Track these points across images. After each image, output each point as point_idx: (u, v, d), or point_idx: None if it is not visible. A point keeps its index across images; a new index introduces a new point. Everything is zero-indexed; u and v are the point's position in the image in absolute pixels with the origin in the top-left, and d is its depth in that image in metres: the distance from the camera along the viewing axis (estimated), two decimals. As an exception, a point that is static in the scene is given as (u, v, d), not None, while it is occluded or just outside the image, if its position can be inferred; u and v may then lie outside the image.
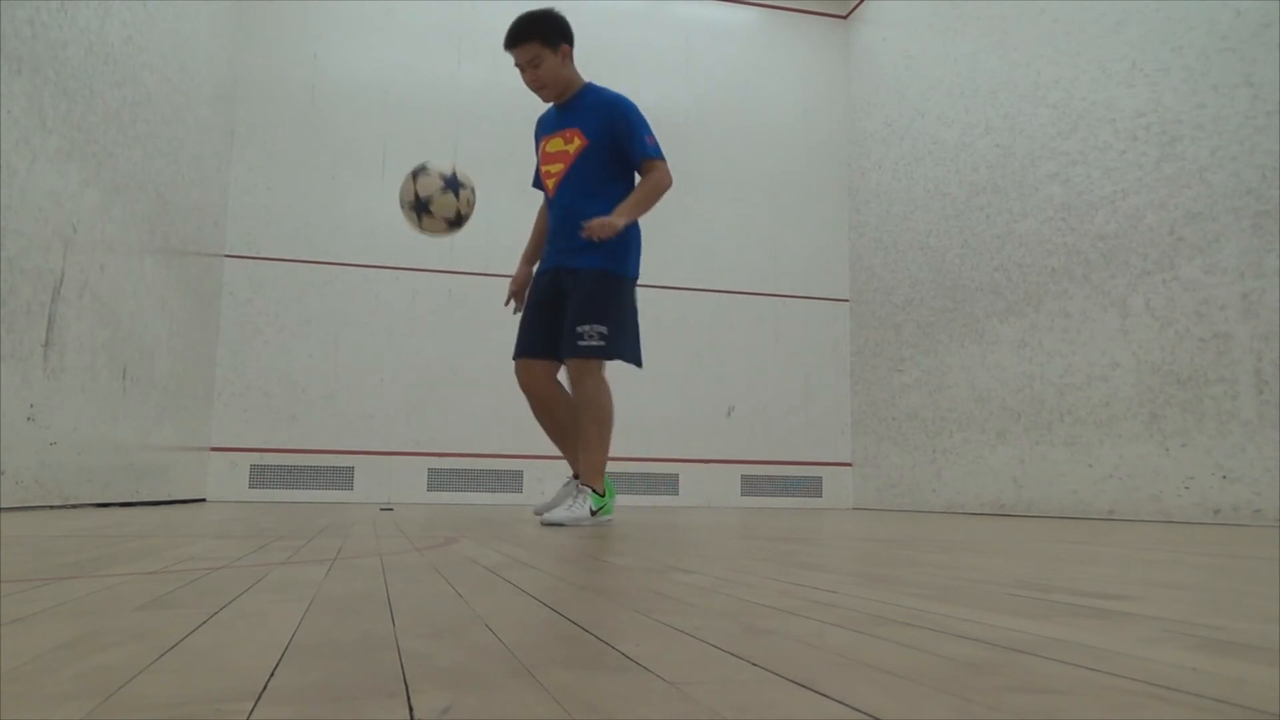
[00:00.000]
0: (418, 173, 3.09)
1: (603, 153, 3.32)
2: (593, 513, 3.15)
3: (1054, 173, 5.31)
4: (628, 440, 7.55)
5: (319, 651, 0.65)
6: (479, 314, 6.74)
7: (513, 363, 3.43)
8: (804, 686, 0.54)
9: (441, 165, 3.11)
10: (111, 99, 3.96)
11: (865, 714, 0.47)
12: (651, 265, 6.98)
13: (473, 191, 3.13)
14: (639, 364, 3.40)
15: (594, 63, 7.81)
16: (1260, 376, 3.96)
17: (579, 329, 3.22)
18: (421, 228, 3.11)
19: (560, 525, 2.97)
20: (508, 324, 7.58)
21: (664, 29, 7.48)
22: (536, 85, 3.35)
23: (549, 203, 3.45)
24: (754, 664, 0.61)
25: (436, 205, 3.04)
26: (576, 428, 3.32)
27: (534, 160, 3.56)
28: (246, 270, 6.41)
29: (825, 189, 7.68)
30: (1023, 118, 5.62)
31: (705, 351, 7.19)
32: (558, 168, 3.38)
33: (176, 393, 5.22)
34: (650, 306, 6.98)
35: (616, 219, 3.14)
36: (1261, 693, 0.54)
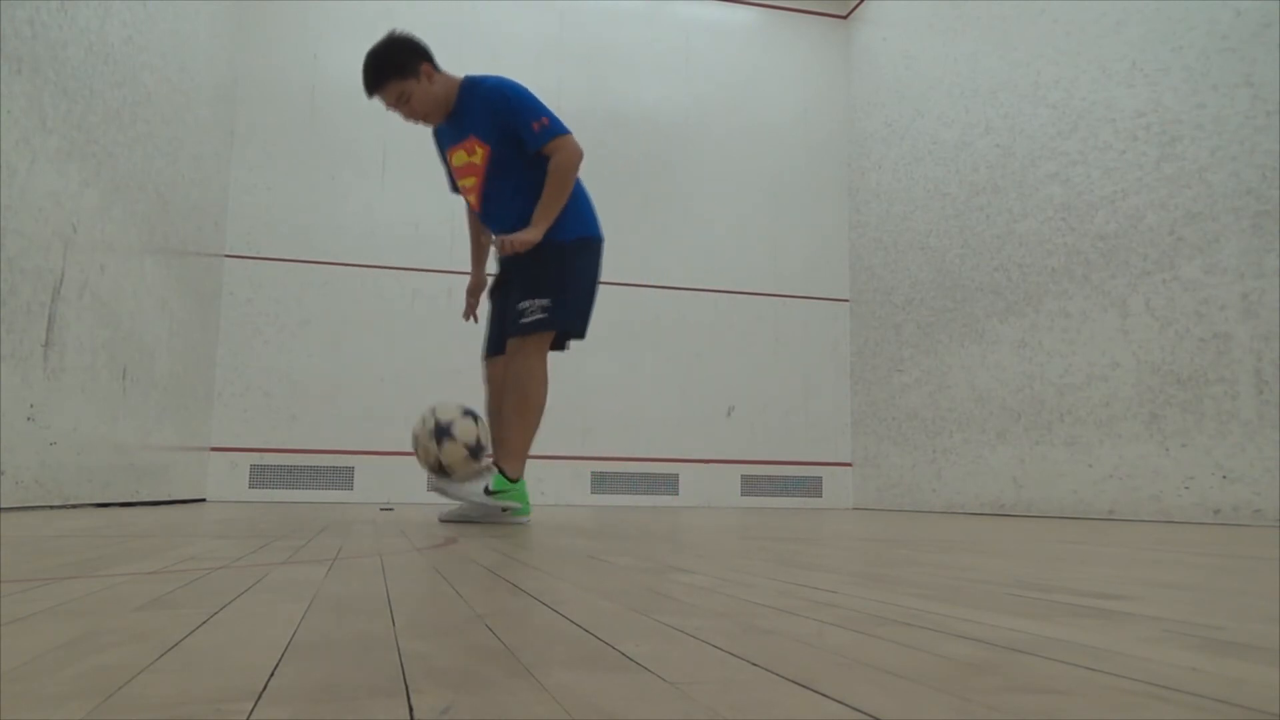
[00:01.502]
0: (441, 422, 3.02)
1: (508, 150, 3.09)
2: (489, 491, 2.98)
3: (1054, 173, 5.31)
4: (628, 440, 7.59)
5: (319, 651, 0.65)
6: (479, 313, 6.74)
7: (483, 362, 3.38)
8: (804, 686, 0.54)
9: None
10: (111, 99, 3.96)
11: (865, 714, 0.47)
12: (652, 265, 7.06)
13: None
14: (582, 335, 3.21)
15: (594, 63, 7.85)
16: (1260, 376, 3.96)
17: (520, 306, 3.07)
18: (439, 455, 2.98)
19: (466, 522, 2.91)
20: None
21: (664, 29, 7.48)
22: (417, 118, 3.17)
23: (478, 216, 3.33)
24: (754, 664, 0.61)
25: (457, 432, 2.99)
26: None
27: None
28: (246, 270, 6.41)
29: (825, 189, 7.68)
30: (1023, 118, 5.62)
31: (705, 351, 7.19)
32: (472, 181, 3.20)
33: (176, 393, 5.22)
34: (650, 306, 7.06)
35: (532, 232, 3.01)
36: (1261, 693, 0.54)
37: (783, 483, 7.21)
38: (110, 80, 3.94)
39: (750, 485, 7.14)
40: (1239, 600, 1.07)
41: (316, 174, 6.62)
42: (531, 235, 3.00)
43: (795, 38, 7.79)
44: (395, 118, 7.36)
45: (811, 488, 7.28)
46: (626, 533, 2.61)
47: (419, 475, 6.94)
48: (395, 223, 6.72)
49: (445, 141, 3.28)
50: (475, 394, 7.12)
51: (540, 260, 3.08)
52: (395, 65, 3.05)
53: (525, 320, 3.05)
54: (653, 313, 7.03)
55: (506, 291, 3.24)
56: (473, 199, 3.23)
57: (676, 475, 6.95)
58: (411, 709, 0.48)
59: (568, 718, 0.46)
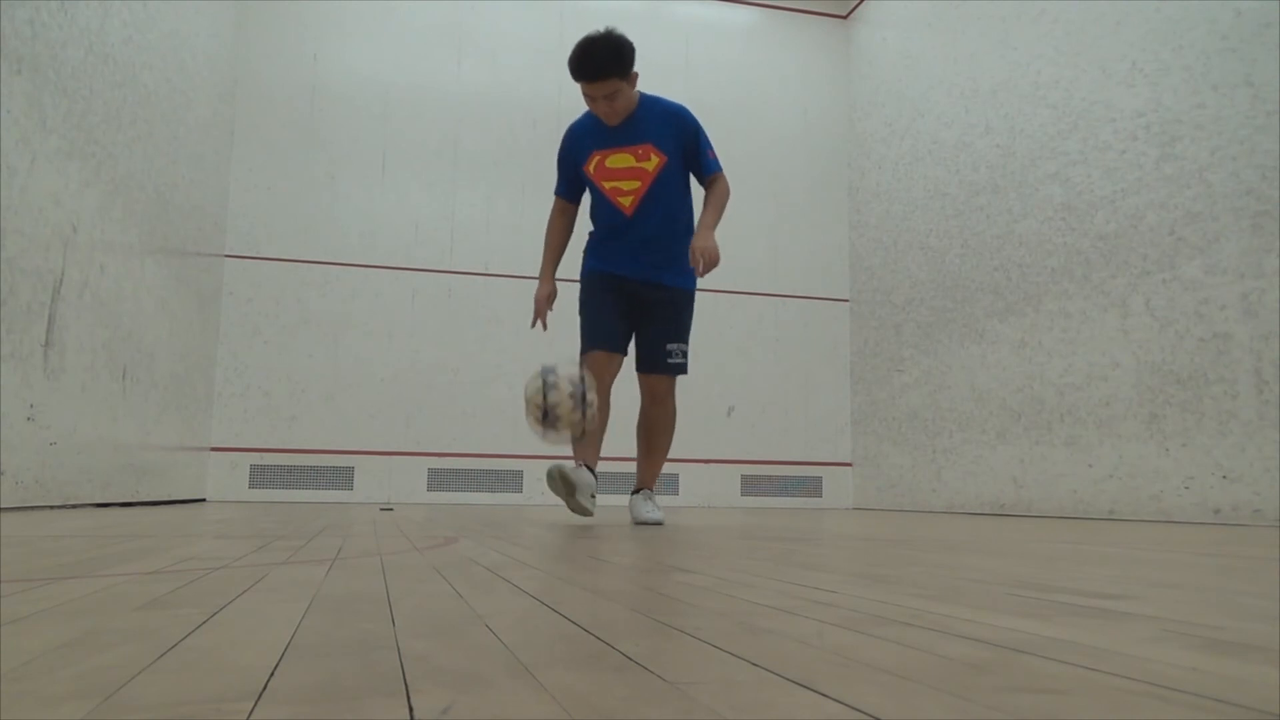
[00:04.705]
0: (546, 378, 2.87)
1: (679, 165, 3.37)
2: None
3: (1054, 173, 5.31)
4: (628, 440, 7.56)
5: (319, 651, 0.65)
6: (479, 314, 6.74)
7: (591, 354, 3.32)
8: (804, 686, 0.54)
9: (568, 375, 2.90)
10: (111, 99, 3.96)
11: (865, 714, 0.47)
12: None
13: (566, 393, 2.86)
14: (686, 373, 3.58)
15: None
16: (1260, 376, 3.96)
17: (669, 347, 3.40)
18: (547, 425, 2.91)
19: (660, 524, 3.26)
20: (507, 323, 7.50)
21: (664, 30, 7.48)
22: (611, 115, 3.26)
23: (623, 222, 3.34)
24: (754, 664, 0.61)
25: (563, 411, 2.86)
26: (602, 432, 3.47)
27: (549, 163, 3.51)
28: (246, 270, 6.41)
29: (825, 189, 7.68)
30: (1023, 118, 5.62)
31: (705, 351, 7.17)
32: (633, 185, 3.32)
33: (176, 393, 5.22)
34: (650, 306, 7.04)
35: (710, 244, 3.14)
36: (1261, 693, 0.54)
37: (783, 483, 7.21)
38: (110, 80, 3.93)
39: (750, 485, 7.13)
40: (1239, 600, 1.07)
41: (316, 174, 6.62)
42: (711, 243, 3.16)
43: (795, 38, 7.79)
44: (395, 118, 7.31)
45: (811, 488, 7.28)
46: (626, 533, 2.61)
47: (418, 475, 6.95)
48: (395, 223, 6.72)
49: (602, 142, 3.35)
50: (473, 392, 7.09)
51: (683, 306, 3.46)
52: (622, 64, 3.17)
53: (674, 362, 3.43)
54: (653, 313, 7.03)
55: (633, 314, 3.41)
56: (628, 200, 3.36)
57: (676, 475, 6.95)
58: (411, 709, 0.48)
59: (568, 718, 0.46)
